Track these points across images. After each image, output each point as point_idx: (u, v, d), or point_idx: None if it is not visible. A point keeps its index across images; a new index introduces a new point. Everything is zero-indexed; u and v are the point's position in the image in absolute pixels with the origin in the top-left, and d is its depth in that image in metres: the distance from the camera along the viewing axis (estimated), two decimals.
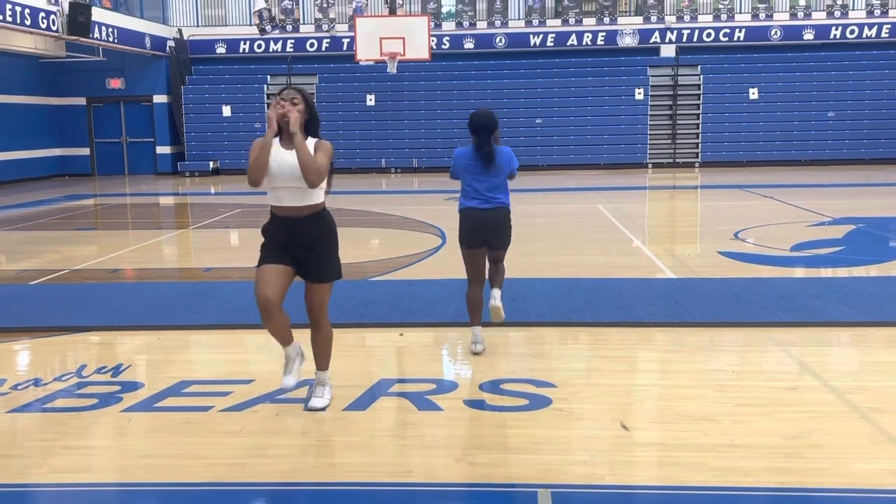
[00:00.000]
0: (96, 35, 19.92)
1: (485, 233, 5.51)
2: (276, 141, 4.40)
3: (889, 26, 23.42)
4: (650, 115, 23.68)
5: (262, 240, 4.48)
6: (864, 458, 3.80)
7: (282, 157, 4.33)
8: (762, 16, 23.80)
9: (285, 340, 4.55)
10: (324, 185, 4.45)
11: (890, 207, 13.70)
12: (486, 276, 5.70)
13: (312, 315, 4.52)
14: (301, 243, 4.37)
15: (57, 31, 18.49)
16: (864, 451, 3.87)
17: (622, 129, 23.54)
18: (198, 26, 24.92)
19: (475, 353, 5.55)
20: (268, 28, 24.38)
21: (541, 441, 4.10)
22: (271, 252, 4.39)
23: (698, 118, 23.64)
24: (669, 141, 23.82)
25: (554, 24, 24.11)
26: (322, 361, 4.62)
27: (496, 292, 5.60)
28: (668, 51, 24.02)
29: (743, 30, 23.80)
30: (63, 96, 24.32)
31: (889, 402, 4.50)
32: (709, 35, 23.86)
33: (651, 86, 23.68)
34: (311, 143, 4.45)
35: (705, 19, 23.93)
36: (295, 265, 4.41)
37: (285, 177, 4.31)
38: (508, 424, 4.35)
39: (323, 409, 4.49)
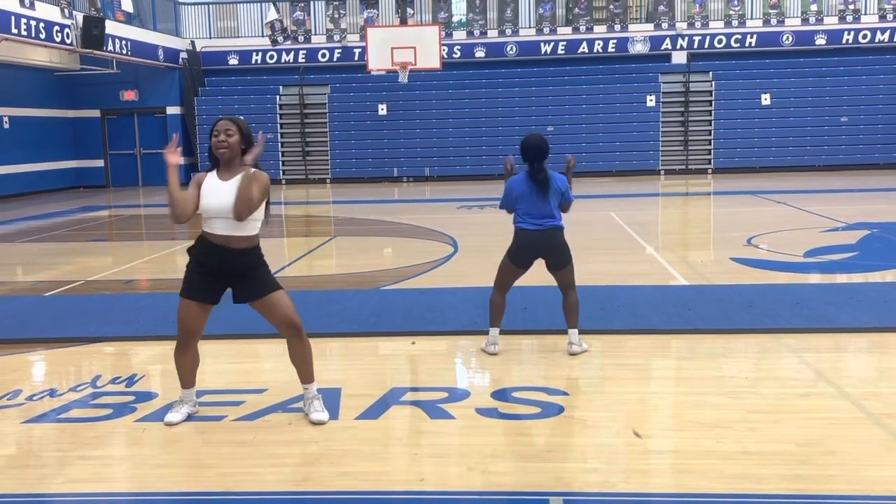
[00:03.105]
0: (110, 48, 20.08)
1: (536, 255, 5.60)
2: (213, 173, 4.37)
3: None
4: (662, 122, 23.64)
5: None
6: (878, 464, 3.77)
7: (217, 188, 4.29)
8: (773, 21, 23.73)
9: (188, 382, 4.60)
10: (260, 215, 4.38)
11: None
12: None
13: (293, 323, 4.40)
14: (232, 272, 4.35)
15: (71, 44, 18.66)
16: (879, 458, 3.85)
17: (634, 137, 23.50)
18: (210, 38, 25.08)
19: (491, 354, 5.63)
20: (280, 39, 24.53)
21: (553, 449, 4.10)
22: (198, 281, 4.37)
23: (710, 124, 23.59)
24: (682, 147, 23.77)
25: (565, 32, 24.13)
26: (310, 373, 4.54)
27: (573, 334, 5.65)
28: (679, 57, 23.99)
29: (754, 36, 23.74)
30: (77, 109, 24.51)
31: None
32: (720, 41, 23.82)
33: (662, 93, 23.65)
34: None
35: (716, 26, 23.89)
36: (214, 292, 4.41)
37: (220, 208, 4.25)
38: (521, 432, 4.36)
39: (326, 421, 4.46)
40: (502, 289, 5.74)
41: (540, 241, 5.54)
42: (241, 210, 4.21)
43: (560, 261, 5.62)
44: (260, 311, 4.44)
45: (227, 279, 4.39)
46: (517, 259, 5.64)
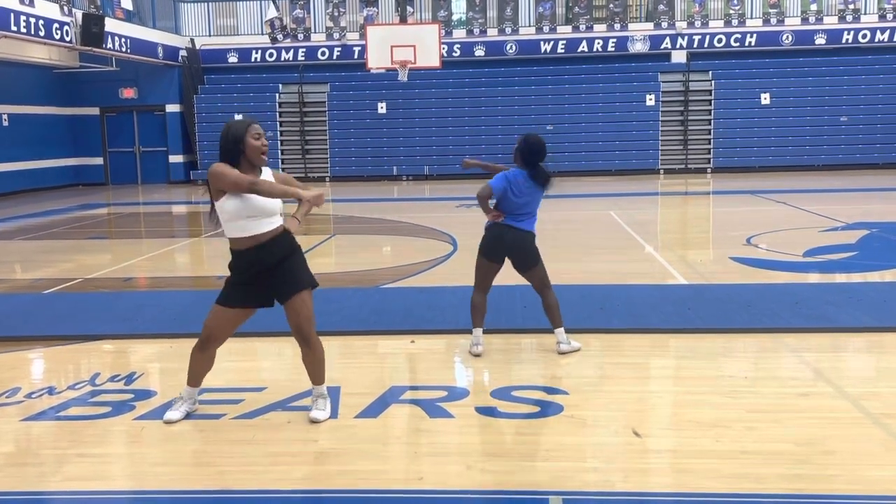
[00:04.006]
0: (109, 45, 20.07)
1: (505, 251, 5.61)
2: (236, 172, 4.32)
3: None
4: (661, 121, 23.64)
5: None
6: (877, 464, 3.77)
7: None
8: (773, 21, 23.73)
9: (197, 381, 4.60)
10: (280, 206, 4.38)
11: None
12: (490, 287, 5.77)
13: (301, 332, 4.41)
14: (269, 264, 4.32)
15: (70, 41, 18.65)
16: (878, 458, 3.85)
17: (633, 136, 23.51)
18: (210, 36, 25.07)
19: (475, 355, 5.63)
20: (279, 37, 24.50)
21: (553, 448, 4.10)
22: (239, 292, 4.38)
23: (710, 124, 23.59)
24: (681, 147, 23.77)
25: (564, 31, 24.12)
26: (318, 377, 4.56)
27: (559, 333, 5.64)
28: (679, 57, 23.99)
29: (754, 35, 23.74)
30: (77, 106, 24.50)
31: None
32: (720, 41, 23.82)
33: (662, 92, 23.65)
34: (267, 172, 4.42)
35: (716, 25, 23.89)
36: (261, 297, 4.41)
37: (254, 207, 4.24)
38: (520, 431, 4.35)
39: (325, 420, 4.48)
40: (481, 288, 5.72)
41: (509, 238, 5.54)
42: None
43: (526, 262, 5.64)
44: (285, 309, 4.44)
45: (268, 276, 4.33)
46: (489, 252, 5.63)
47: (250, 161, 4.32)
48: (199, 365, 4.56)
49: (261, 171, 4.41)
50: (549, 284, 5.70)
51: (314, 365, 4.52)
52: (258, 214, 4.27)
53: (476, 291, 5.73)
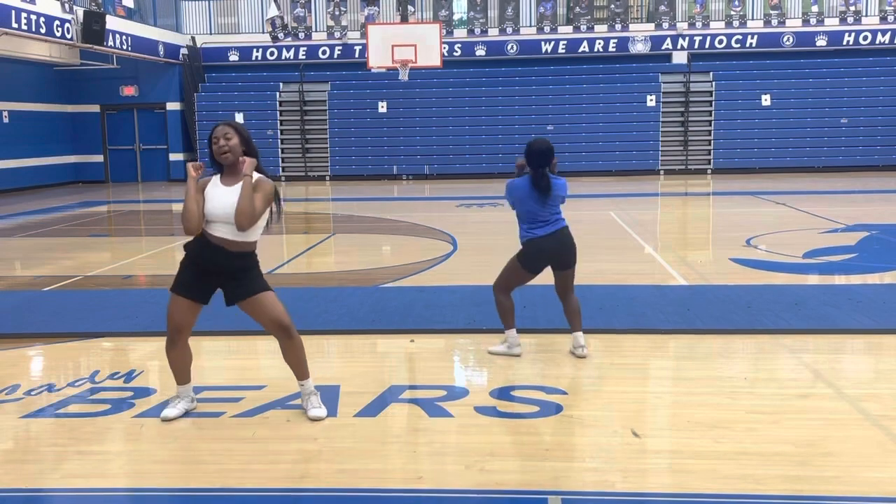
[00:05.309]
0: (110, 43, 20.06)
1: (553, 258, 5.53)
2: (217, 178, 4.40)
3: None
4: (662, 122, 23.63)
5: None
6: (876, 466, 3.78)
7: (220, 194, 4.32)
8: (774, 22, 23.73)
9: (183, 377, 4.58)
10: (262, 223, 4.40)
11: None
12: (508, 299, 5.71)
13: (282, 323, 4.41)
14: (225, 272, 4.35)
15: (71, 39, 18.64)
16: (877, 460, 3.85)
17: (634, 136, 23.49)
18: (211, 34, 25.06)
19: (517, 356, 5.57)
20: (280, 36, 24.49)
21: (552, 448, 4.10)
22: (190, 278, 4.41)
23: (710, 125, 23.58)
24: (681, 148, 23.76)
25: (565, 31, 24.12)
26: (304, 371, 4.54)
27: (580, 337, 5.59)
28: (679, 57, 23.99)
29: (755, 36, 23.73)
30: (77, 104, 24.49)
31: None
32: (721, 42, 23.82)
33: (663, 92, 23.64)
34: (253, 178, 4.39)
35: (717, 26, 23.88)
36: (211, 291, 4.44)
37: (222, 214, 4.28)
38: (519, 431, 4.35)
39: (324, 417, 4.48)
40: (508, 290, 5.67)
41: (553, 245, 5.47)
42: (242, 221, 4.25)
43: (570, 259, 5.56)
44: (249, 311, 4.44)
45: (218, 278, 4.39)
46: (532, 266, 5.54)
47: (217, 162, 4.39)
48: (177, 363, 4.54)
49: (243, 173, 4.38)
50: (573, 288, 5.67)
51: (298, 357, 4.50)
52: (211, 220, 4.32)
53: (503, 293, 5.63)
